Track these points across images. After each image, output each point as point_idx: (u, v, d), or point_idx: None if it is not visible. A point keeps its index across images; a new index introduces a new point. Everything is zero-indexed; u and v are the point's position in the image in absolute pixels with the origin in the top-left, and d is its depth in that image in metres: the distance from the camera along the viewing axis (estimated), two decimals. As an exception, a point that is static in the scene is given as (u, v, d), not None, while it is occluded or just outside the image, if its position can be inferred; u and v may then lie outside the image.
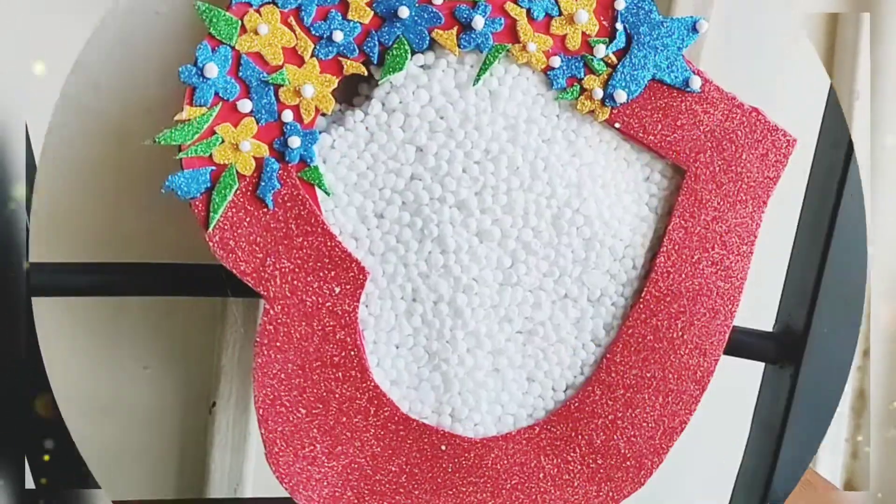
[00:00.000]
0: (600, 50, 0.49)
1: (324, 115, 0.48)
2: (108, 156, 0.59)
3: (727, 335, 0.51)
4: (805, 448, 0.57)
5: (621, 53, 0.49)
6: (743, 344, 0.55)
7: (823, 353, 0.56)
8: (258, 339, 0.49)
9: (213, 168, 0.47)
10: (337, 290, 0.49)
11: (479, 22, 0.48)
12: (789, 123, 0.52)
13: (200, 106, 0.47)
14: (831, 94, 0.57)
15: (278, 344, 0.49)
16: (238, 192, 0.47)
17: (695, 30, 0.49)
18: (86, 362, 0.63)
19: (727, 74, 0.63)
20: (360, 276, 0.49)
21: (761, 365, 0.59)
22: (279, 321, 0.49)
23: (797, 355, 0.56)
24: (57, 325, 0.62)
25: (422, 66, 0.49)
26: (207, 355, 0.63)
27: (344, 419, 0.50)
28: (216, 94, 0.47)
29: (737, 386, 0.59)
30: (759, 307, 0.57)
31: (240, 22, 0.47)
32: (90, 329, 0.63)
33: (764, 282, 0.57)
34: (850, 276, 0.55)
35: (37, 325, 0.55)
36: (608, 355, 0.51)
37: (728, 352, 0.53)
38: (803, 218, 0.57)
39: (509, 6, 0.48)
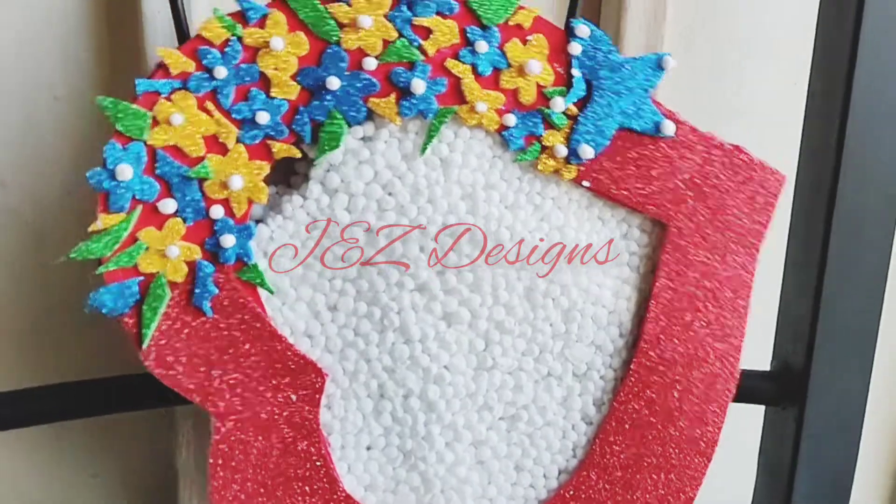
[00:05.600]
0: (558, 102, 0.43)
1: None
2: (25, 261, 0.53)
3: (730, 400, 0.47)
4: (823, 497, 0.52)
5: (582, 103, 0.44)
6: (739, 387, 0.50)
7: (830, 389, 0.51)
8: (211, 461, 0.44)
9: (141, 278, 0.42)
10: (294, 397, 0.44)
11: (419, 85, 0.42)
12: (764, 137, 0.48)
13: (117, 212, 0.41)
14: (811, 99, 0.52)
15: (234, 463, 0.44)
16: (171, 302, 0.42)
17: (660, 67, 0.44)
18: (31, 478, 0.58)
19: (691, 92, 0.59)
20: (318, 380, 0.44)
21: (762, 408, 0.55)
22: (233, 438, 0.43)
23: (800, 395, 0.51)
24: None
25: (361, 139, 0.43)
26: (159, 458, 0.58)
27: (317, 536, 0.45)
28: (133, 196, 0.41)
29: (737, 432, 0.55)
30: (753, 346, 0.52)
31: (150, 114, 0.41)
32: (31, 447, 0.58)
33: (756, 317, 0.52)
34: (854, 301, 0.50)
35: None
36: (601, 435, 0.46)
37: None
38: (792, 240, 0.53)
39: (451, 63, 0.43)
